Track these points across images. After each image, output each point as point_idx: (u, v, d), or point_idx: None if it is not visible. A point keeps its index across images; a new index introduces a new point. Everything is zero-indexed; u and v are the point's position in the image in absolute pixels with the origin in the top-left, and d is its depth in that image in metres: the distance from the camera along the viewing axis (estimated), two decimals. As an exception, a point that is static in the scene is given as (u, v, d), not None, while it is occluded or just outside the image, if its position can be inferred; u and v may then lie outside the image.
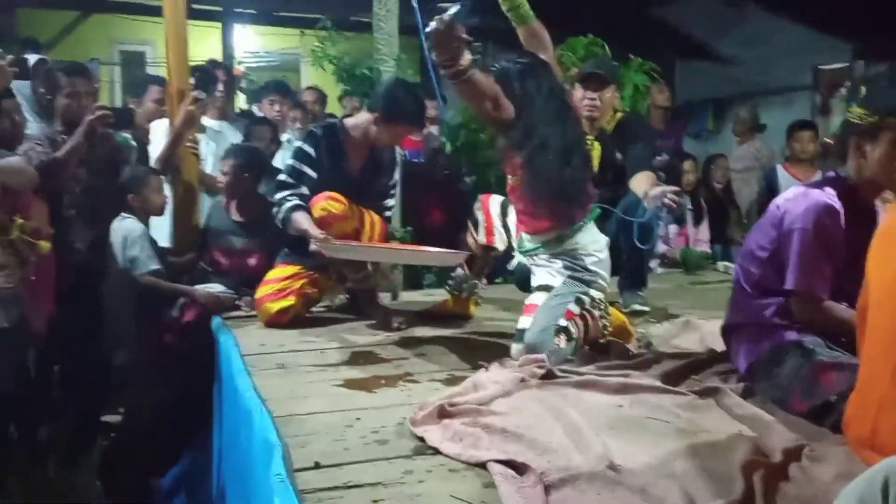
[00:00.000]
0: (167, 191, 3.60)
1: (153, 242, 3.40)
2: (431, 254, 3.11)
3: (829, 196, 2.09)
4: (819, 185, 2.17)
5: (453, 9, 2.15)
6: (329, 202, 2.91)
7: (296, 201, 2.96)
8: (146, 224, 3.43)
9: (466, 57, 2.31)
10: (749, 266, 2.24)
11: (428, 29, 2.23)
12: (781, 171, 5.15)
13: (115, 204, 3.40)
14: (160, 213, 3.50)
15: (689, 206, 5.00)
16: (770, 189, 4.92)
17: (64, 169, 3.19)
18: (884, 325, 1.62)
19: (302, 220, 2.90)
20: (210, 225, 3.52)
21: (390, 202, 3.34)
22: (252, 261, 3.41)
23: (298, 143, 3.19)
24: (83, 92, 3.38)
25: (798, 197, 2.14)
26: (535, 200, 2.57)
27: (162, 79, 4.36)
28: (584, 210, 2.64)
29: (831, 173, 2.20)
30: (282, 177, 3.07)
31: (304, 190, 2.99)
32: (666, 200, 3.00)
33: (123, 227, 3.34)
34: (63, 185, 3.27)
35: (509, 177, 2.70)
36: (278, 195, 3.01)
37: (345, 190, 2.97)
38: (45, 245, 2.85)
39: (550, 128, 2.53)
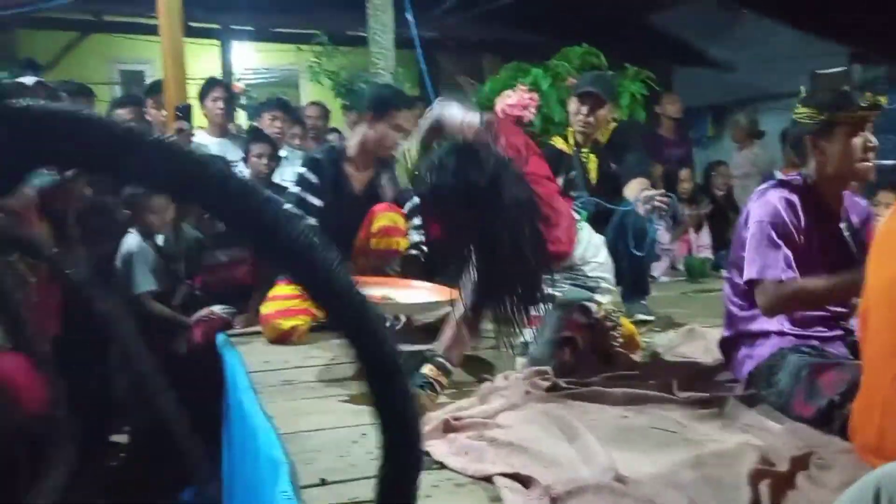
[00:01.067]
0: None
1: (161, 257, 3.39)
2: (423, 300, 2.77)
3: (784, 191, 2.15)
4: (779, 185, 2.22)
5: None
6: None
7: None
8: (153, 239, 3.42)
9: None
10: (734, 276, 2.27)
11: None
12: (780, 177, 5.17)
13: (118, 223, 3.42)
14: (152, 234, 3.47)
15: (686, 212, 5.01)
16: None
17: (69, 192, 3.21)
18: (883, 328, 1.62)
19: None
20: (189, 246, 3.52)
21: (416, 220, 3.21)
22: (239, 272, 3.38)
23: (301, 171, 3.17)
24: None
25: (757, 197, 2.21)
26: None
27: (136, 98, 4.39)
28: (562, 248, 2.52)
29: (795, 175, 2.24)
30: (286, 206, 3.05)
31: (309, 220, 3.00)
32: (655, 203, 3.03)
33: (125, 244, 3.37)
34: (66, 205, 3.28)
35: None
36: None
37: (349, 212, 2.97)
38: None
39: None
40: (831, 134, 2.08)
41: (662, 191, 3.14)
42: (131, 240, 3.37)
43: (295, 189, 3.10)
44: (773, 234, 2.09)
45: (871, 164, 2.10)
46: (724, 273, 4.52)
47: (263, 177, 3.99)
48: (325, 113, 5.36)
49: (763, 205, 2.14)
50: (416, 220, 3.21)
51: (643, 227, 3.13)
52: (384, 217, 2.92)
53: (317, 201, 3.01)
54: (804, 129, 2.14)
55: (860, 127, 2.08)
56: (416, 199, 3.05)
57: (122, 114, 4.03)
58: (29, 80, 3.67)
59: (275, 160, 4.13)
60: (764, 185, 2.28)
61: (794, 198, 2.12)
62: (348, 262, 3.06)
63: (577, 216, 2.67)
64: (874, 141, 2.10)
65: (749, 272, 2.11)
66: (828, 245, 2.16)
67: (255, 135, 4.29)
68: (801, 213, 2.11)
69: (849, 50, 6.49)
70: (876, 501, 0.93)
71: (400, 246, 2.97)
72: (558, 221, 2.41)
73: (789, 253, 2.08)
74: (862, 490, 0.95)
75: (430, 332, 2.97)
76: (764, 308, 2.11)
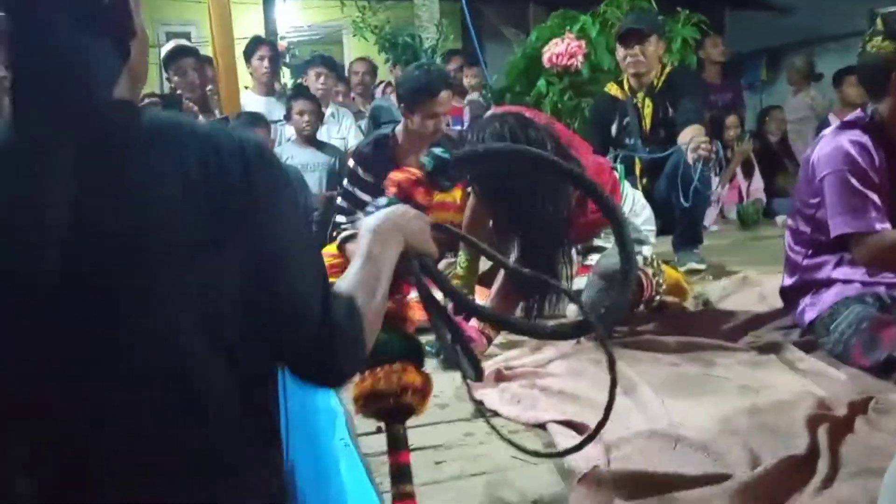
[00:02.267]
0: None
1: None
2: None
3: (852, 133, 2.02)
4: (843, 125, 2.09)
5: None
6: None
7: (350, 230, 2.95)
8: None
9: None
10: (798, 225, 2.19)
11: None
12: (834, 120, 5.01)
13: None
14: None
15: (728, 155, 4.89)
16: None
17: None
18: None
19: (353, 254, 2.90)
20: None
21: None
22: None
23: (350, 164, 3.10)
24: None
25: (823, 143, 2.08)
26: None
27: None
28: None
29: (857, 112, 2.11)
30: (339, 200, 3.09)
31: (360, 215, 2.99)
32: (701, 152, 2.97)
33: None
34: None
35: None
36: (337, 218, 3.06)
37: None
38: None
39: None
40: None
41: (708, 139, 3.06)
42: None
43: (346, 183, 3.08)
44: (855, 183, 1.98)
45: None
46: (777, 220, 4.48)
47: (307, 133, 4.00)
48: (371, 68, 5.32)
49: (834, 152, 2.02)
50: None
51: (690, 177, 3.08)
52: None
53: (366, 196, 2.98)
54: (883, 62, 1.99)
55: None
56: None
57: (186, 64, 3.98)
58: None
59: (317, 117, 4.14)
60: (828, 130, 2.16)
61: (865, 139, 2.01)
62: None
63: (616, 174, 2.62)
64: None
65: (838, 227, 2.01)
66: None
67: (297, 91, 4.28)
68: (874, 155, 2.00)
69: (912, -14, 6.20)
70: None
71: (455, 221, 2.94)
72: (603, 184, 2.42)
73: (877, 199, 1.98)
74: None
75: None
76: (864, 261, 2.03)
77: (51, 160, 0.80)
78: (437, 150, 1.45)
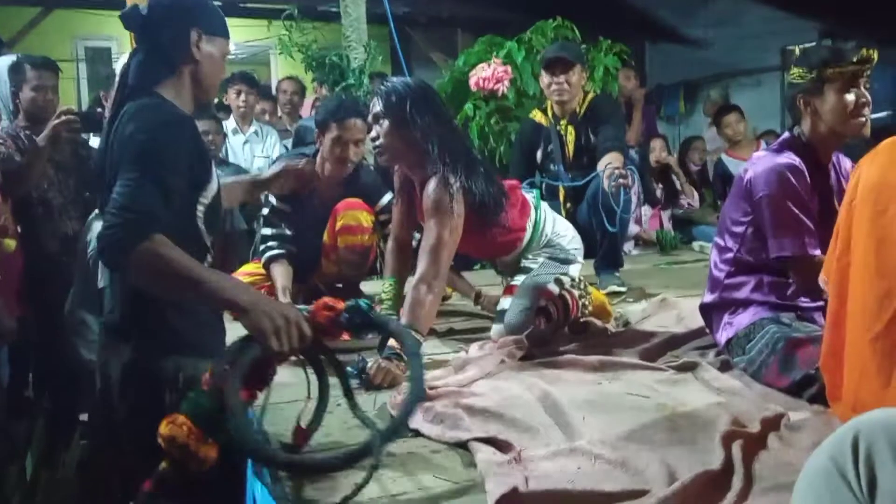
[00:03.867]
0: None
1: None
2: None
3: (787, 155, 2.12)
4: (777, 147, 2.19)
5: None
6: None
7: (274, 250, 2.92)
8: None
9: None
10: (726, 243, 2.24)
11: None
12: (727, 158, 5.27)
13: (81, 202, 3.33)
14: None
15: (659, 185, 5.04)
16: (723, 178, 5.04)
17: (28, 176, 3.16)
18: (867, 289, 1.58)
19: (276, 276, 2.87)
20: None
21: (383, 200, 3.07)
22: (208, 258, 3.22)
23: (271, 199, 3.00)
24: (49, 86, 3.34)
25: (758, 162, 2.16)
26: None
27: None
28: (516, 223, 2.57)
29: (786, 134, 2.23)
30: (265, 211, 3.01)
31: (286, 230, 2.96)
32: (620, 181, 3.05)
33: (93, 228, 3.16)
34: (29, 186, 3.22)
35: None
36: (263, 231, 2.99)
37: (320, 222, 2.93)
38: (9, 243, 2.79)
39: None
40: (822, 91, 2.07)
41: (621, 167, 3.15)
42: (98, 224, 3.23)
43: (266, 212, 3.01)
44: (792, 206, 2.06)
45: (864, 119, 2.07)
46: (694, 245, 4.61)
47: (212, 155, 3.91)
48: (300, 88, 5.27)
49: (771, 174, 2.09)
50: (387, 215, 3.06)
51: (609, 204, 3.15)
52: (346, 216, 2.86)
53: (286, 206, 2.95)
54: (796, 89, 2.13)
55: (852, 83, 2.05)
56: (388, 197, 3.00)
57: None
58: (5, 59, 3.56)
59: (221, 136, 4.06)
60: (761, 151, 2.24)
61: (797, 161, 2.09)
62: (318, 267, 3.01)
63: (530, 197, 2.66)
64: (867, 96, 2.07)
65: (778, 248, 2.08)
66: (823, 205, 2.14)
67: (198, 113, 4.18)
68: (806, 176, 2.09)
69: (819, 26, 6.55)
70: (854, 449, 0.93)
71: (364, 243, 2.92)
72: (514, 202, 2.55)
73: (811, 224, 2.07)
74: (840, 438, 0.96)
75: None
76: (801, 284, 2.11)
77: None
78: (362, 303, 1.63)
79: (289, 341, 1.53)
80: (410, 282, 2.73)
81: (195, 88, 1.85)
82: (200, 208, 1.81)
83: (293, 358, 1.61)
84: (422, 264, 2.26)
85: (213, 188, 1.85)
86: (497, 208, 2.42)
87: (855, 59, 2.04)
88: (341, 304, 1.62)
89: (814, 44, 6.62)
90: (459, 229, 2.31)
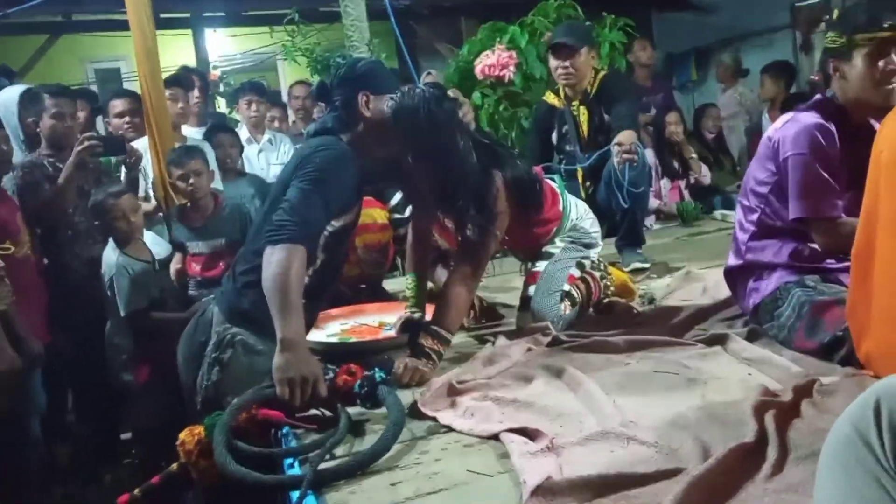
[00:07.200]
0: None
1: (146, 264, 3.19)
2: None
3: (817, 117, 2.07)
4: (807, 108, 2.15)
5: None
6: None
7: None
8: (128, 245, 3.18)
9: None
10: (750, 204, 2.22)
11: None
12: (766, 119, 5.20)
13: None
14: (128, 240, 3.17)
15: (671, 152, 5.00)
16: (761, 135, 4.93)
17: (59, 204, 3.23)
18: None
19: None
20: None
21: (393, 200, 3.11)
22: (222, 263, 3.14)
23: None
24: (67, 113, 3.38)
25: (788, 124, 2.12)
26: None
27: (123, 91, 4.33)
28: (551, 214, 2.55)
29: (818, 96, 2.18)
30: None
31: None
32: (624, 156, 3.04)
33: (105, 259, 3.16)
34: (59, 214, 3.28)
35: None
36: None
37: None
38: (9, 246, 2.76)
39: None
40: (851, 58, 2.02)
41: (629, 143, 3.14)
42: (109, 255, 3.15)
43: None
44: (819, 168, 2.03)
45: (892, 87, 2.00)
46: (716, 214, 4.57)
47: (229, 166, 3.93)
48: (311, 91, 5.26)
49: (801, 134, 2.06)
50: (397, 215, 3.11)
51: (619, 180, 3.14)
52: (361, 214, 2.88)
53: None
54: (829, 53, 2.09)
55: (883, 49, 1.98)
56: (399, 196, 3.00)
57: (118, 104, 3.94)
58: (15, 89, 3.61)
59: (239, 149, 4.08)
60: (789, 114, 2.18)
61: (829, 123, 2.05)
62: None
63: (553, 185, 2.64)
64: None
65: (799, 209, 2.06)
66: (855, 169, 2.08)
67: (213, 127, 4.20)
68: (836, 139, 2.05)
69: (829, -22, 6.42)
70: (876, 414, 0.93)
71: (381, 240, 2.93)
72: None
73: (836, 186, 2.03)
74: (862, 405, 0.95)
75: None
76: (823, 246, 2.09)
77: None
78: (376, 374, 1.85)
79: (300, 397, 1.77)
80: (435, 274, 2.75)
81: (371, 139, 2.14)
82: (326, 231, 2.07)
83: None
84: (463, 264, 2.24)
85: (345, 220, 2.13)
86: (538, 201, 2.42)
87: (886, 25, 1.97)
88: (361, 372, 1.87)
89: (861, 1, 6.52)
90: (504, 227, 2.29)
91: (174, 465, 1.74)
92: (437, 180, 2.20)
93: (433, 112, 2.10)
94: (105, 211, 3.14)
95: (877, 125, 2.14)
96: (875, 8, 2.03)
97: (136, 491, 1.72)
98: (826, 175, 2.04)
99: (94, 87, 7.83)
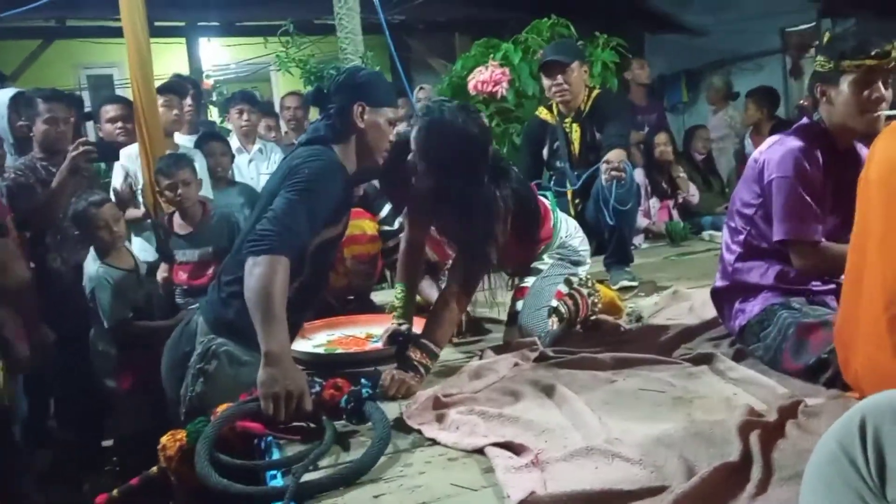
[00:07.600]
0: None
1: (127, 275, 3.17)
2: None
3: (802, 140, 2.10)
4: (793, 132, 2.17)
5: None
6: None
7: None
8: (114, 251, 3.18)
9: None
10: (737, 225, 2.23)
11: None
12: (749, 142, 5.26)
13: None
14: (110, 249, 3.15)
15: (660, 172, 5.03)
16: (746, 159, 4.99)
17: (53, 208, 3.20)
18: (889, 275, 1.58)
19: None
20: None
21: (382, 212, 3.12)
22: (210, 272, 3.13)
23: None
24: (61, 118, 3.37)
25: (774, 146, 2.14)
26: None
27: (115, 97, 4.32)
28: (543, 233, 2.56)
29: (805, 120, 2.20)
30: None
31: None
32: (612, 173, 3.06)
33: (86, 269, 3.14)
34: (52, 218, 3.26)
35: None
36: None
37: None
38: None
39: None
40: (837, 83, 2.04)
41: (618, 161, 3.17)
42: (89, 266, 3.13)
43: None
44: (802, 191, 2.05)
45: (876, 115, 2.03)
46: (704, 235, 4.59)
47: (220, 175, 3.92)
48: (303, 103, 5.25)
49: (786, 157, 2.08)
50: (386, 227, 3.11)
51: (607, 197, 3.17)
52: (350, 226, 2.88)
53: None
54: (816, 77, 2.11)
55: (870, 77, 2.00)
56: (388, 208, 3.01)
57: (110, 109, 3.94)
58: (5, 92, 3.60)
59: (230, 157, 4.07)
60: (775, 136, 2.20)
61: (814, 146, 2.08)
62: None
63: (546, 202, 2.65)
64: (883, 92, 2.02)
65: (781, 232, 2.08)
66: (839, 193, 2.09)
67: (204, 136, 4.19)
68: (820, 163, 2.07)
69: (818, 5, 6.50)
70: (861, 432, 0.93)
71: (370, 251, 2.92)
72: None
73: (818, 210, 2.05)
74: (847, 422, 0.95)
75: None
76: (801, 269, 2.10)
77: None
78: (363, 390, 1.83)
79: (284, 412, 1.75)
80: (422, 286, 2.74)
81: (360, 150, 2.13)
82: (314, 242, 2.04)
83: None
84: (458, 280, 2.22)
85: (331, 232, 2.12)
86: (538, 221, 2.43)
87: (873, 54, 1.99)
88: (347, 387, 1.85)
89: (813, 24, 6.62)
90: (501, 246, 2.27)
91: (154, 469, 1.75)
92: (448, 194, 2.16)
93: (470, 127, 2.11)
94: (87, 220, 3.10)
95: (862, 149, 2.18)
96: (863, 35, 2.06)
97: (115, 491, 1.73)
98: (809, 199, 2.06)
99: (85, 94, 7.82)
